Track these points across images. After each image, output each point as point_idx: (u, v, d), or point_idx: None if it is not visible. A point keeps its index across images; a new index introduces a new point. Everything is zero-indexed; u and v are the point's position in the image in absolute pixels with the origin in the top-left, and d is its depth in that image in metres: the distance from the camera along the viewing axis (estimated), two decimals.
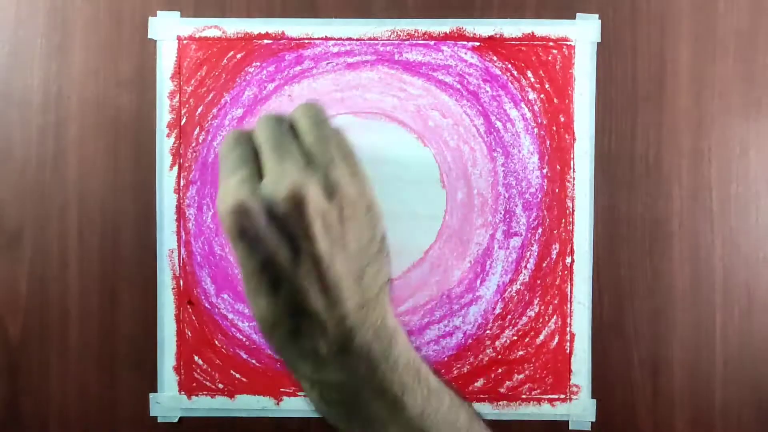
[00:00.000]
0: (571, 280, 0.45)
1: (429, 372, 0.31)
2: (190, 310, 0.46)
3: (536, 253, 0.46)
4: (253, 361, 0.46)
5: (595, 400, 0.45)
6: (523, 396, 0.46)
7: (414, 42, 0.45)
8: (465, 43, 0.45)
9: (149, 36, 0.46)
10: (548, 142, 0.46)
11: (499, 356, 0.46)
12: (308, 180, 0.28)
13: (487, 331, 0.46)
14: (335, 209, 0.28)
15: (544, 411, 0.46)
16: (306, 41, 0.46)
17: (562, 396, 0.45)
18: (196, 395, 0.46)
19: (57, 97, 0.46)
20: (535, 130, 0.46)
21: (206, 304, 0.46)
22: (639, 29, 0.46)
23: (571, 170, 0.46)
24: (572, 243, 0.45)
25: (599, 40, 0.45)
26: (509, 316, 0.46)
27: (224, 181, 0.29)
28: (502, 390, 0.46)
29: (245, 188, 0.28)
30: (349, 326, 0.29)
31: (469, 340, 0.46)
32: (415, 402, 0.30)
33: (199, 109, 0.46)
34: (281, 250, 0.28)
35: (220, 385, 0.46)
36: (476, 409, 0.33)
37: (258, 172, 0.29)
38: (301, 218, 0.27)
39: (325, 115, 0.31)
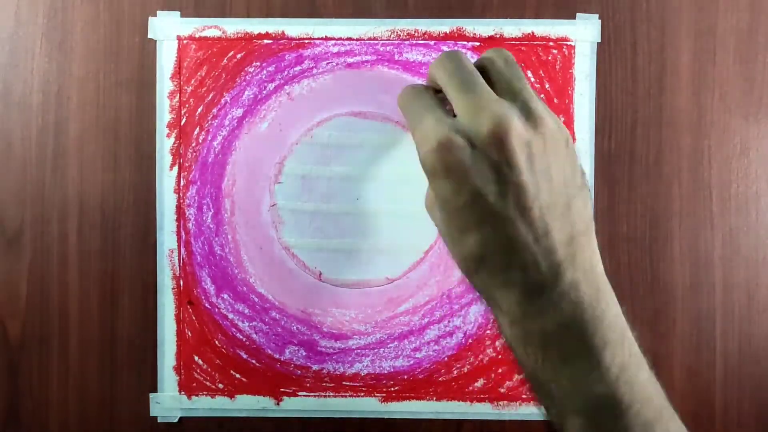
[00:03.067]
0: None
1: (633, 339, 0.30)
2: (190, 310, 0.46)
3: None
4: (253, 361, 0.46)
5: None
6: (523, 396, 0.46)
7: (414, 42, 0.45)
8: (465, 43, 0.45)
9: (149, 36, 0.46)
10: None
11: (499, 356, 0.46)
12: (509, 110, 0.27)
13: (487, 331, 0.46)
14: (539, 139, 0.28)
15: None
16: (306, 41, 0.46)
17: None
18: (196, 395, 0.46)
19: (57, 97, 0.46)
20: None
21: (206, 304, 0.46)
22: (639, 29, 0.46)
23: None
24: None
25: (599, 40, 0.46)
26: None
27: (419, 126, 0.29)
28: (502, 390, 0.46)
29: (445, 125, 0.27)
30: (558, 261, 0.28)
31: (469, 340, 0.46)
32: (613, 360, 0.28)
33: (199, 109, 0.46)
34: (488, 182, 0.27)
35: (220, 385, 0.46)
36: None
37: (450, 114, 0.28)
38: (504, 148, 0.27)
39: (514, 58, 0.31)
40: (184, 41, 0.46)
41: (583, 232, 0.29)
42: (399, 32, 0.45)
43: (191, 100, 0.46)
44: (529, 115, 0.28)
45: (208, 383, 0.46)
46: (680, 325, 0.46)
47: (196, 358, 0.46)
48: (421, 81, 0.32)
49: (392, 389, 0.46)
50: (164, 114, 0.46)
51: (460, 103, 0.28)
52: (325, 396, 0.46)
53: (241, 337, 0.46)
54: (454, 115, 0.29)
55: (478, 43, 0.45)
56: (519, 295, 0.28)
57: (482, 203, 0.28)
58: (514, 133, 0.27)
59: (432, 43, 0.45)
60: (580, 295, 0.28)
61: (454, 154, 0.27)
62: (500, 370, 0.46)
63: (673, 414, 0.30)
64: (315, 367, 0.46)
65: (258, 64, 0.46)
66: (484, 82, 0.29)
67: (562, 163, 0.28)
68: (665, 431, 0.29)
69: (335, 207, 0.46)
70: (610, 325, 0.28)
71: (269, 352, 0.46)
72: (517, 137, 0.27)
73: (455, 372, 0.46)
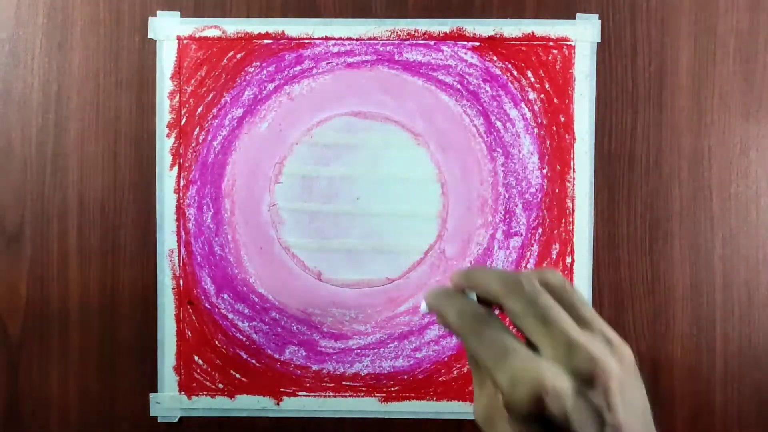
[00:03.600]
0: (571, 280, 0.45)
1: None
2: (190, 310, 0.46)
3: (536, 253, 0.46)
4: (253, 361, 0.46)
5: None
6: None
7: (414, 42, 0.45)
8: (465, 43, 0.45)
9: (149, 36, 0.46)
10: (548, 142, 0.46)
11: None
12: (601, 349, 0.26)
13: None
14: (627, 374, 0.27)
15: None
16: (306, 41, 0.46)
17: None
18: (196, 395, 0.46)
19: (57, 97, 0.46)
20: (535, 130, 0.46)
21: (206, 304, 0.46)
22: (639, 29, 0.46)
23: (571, 170, 0.46)
24: (572, 243, 0.45)
25: (599, 40, 0.45)
26: None
27: (504, 364, 0.26)
28: None
29: (539, 367, 0.25)
30: None
31: None
32: None
33: (199, 109, 0.46)
34: (587, 427, 0.25)
35: (220, 385, 0.46)
36: None
37: (529, 345, 0.27)
38: (607, 393, 0.25)
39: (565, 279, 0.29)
40: (184, 41, 0.46)
41: None
42: (399, 32, 0.45)
43: (191, 100, 0.46)
44: (612, 347, 0.27)
45: (208, 383, 0.46)
46: (680, 325, 0.46)
47: (196, 358, 0.46)
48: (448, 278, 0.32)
49: (392, 389, 0.46)
50: (164, 114, 0.46)
51: (547, 340, 0.26)
52: (325, 396, 0.46)
53: (241, 337, 0.46)
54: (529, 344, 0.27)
55: (478, 43, 0.45)
56: None
57: None
58: (614, 376, 0.25)
59: (432, 43, 0.45)
60: None
61: (556, 402, 0.25)
62: None
63: None
64: (315, 367, 0.46)
65: (258, 64, 0.46)
66: (561, 311, 0.27)
67: (640, 391, 0.27)
68: None
69: (335, 207, 0.46)
70: None
71: (269, 352, 0.46)
72: (616, 379, 0.26)
73: (455, 372, 0.46)
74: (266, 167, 0.46)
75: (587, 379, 0.25)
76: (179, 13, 0.46)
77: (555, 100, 0.45)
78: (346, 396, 0.46)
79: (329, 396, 0.46)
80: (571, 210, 0.45)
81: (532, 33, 0.45)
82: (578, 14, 0.46)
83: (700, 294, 0.46)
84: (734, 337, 0.46)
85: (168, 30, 0.46)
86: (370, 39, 0.46)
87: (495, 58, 0.45)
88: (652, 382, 0.46)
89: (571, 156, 0.45)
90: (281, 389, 0.46)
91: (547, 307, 0.27)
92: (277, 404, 0.46)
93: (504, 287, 0.28)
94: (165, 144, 0.46)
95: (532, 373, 0.25)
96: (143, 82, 0.46)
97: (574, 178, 0.45)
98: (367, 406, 0.46)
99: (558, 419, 0.25)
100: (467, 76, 0.46)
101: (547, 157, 0.46)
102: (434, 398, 0.45)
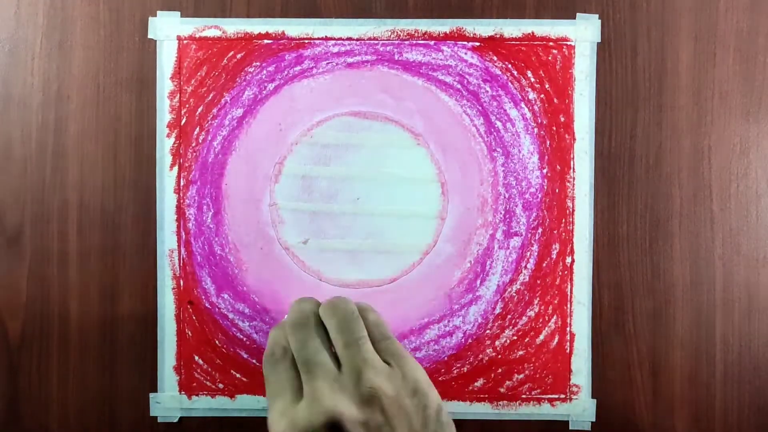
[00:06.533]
0: (571, 280, 0.45)
1: None
2: (190, 309, 0.46)
3: (536, 253, 0.46)
4: (254, 361, 0.46)
5: (595, 400, 0.46)
6: (523, 396, 0.46)
7: (414, 42, 0.45)
8: (465, 43, 0.45)
9: (149, 36, 0.46)
10: (548, 142, 0.46)
11: (499, 356, 0.46)
12: (340, 398, 0.29)
13: (487, 331, 0.46)
14: (375, 413, 0.29)
15: (544, 411, 0.46)
16: (306, 41, 0.46)
17: (562, 396, 0.46)
18: (196, 395, 0.46)
19: (57, 97, 0.46)
20: (535, 130, 0.46)
21: (206, 304, 0.46)
22: (639, 29, 0.46)
23: (571, 170, 0.46)
24: (572, 243, 0.45)
25: (599, 40, 0.46)
26: (509, 316, 0.46)
27: (270, 406, 0.31)
28: (502, 390, 0.46)
29: (285, 421, 0.29)
30: None
31: (469, 340, 0.46)
32: None
33: (199, 109, 0.46)
34: None
35: (220, 385, 0.46)
36: None
37: (299, 390, 0.30)
38: (378, 408, 0.29)
39: (349, 310, 0.32)
40: (184, 41, 0.46)
41: None
42: (399, 32, 0.45)
43: (191, 100, 0.46)
44: (361, 392, 0.29)
45: (208, 383, 0.46)
46: (680, 325, 0.46)
47: (196, 357, 0.46)
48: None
49: None
50: (164, 114, 0.46)
51: (303, 385, 0.30)
52: None
53: (241, 336, 0.46)
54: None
55: (478, 43, 0.45)
56: None
57: None
58: (347, 423, 0.29)
59: (432, 43, 0.45)
60: None
61: (347, 424, 0.29)
62: (500, 370, 0.46)
63: None
64: None
65: (258, 64, 0.46)
66: (323, 357, 0.31)
67: (407, 420, 0.30)
68: None
69: (335, 207, 0.46)
70: None
71: None
72: (350, 425, 0.29)
73: (455, 372, 0.46)
74: (266, 167, 0.46)
75: (367, 399, 0.29)
76: (179, 13, 0.46)
77: (555, 100, 0.45)
78: None
79: None
80: (571, 210, 0.46)
81: (532, 33, 0.45)
82: (578, 14, 0.46)
83: (700, 294, 0.46)
84: (734, 338, 0.46)
85: (168, 30, 0.46)
86: (370, 39, 0.46)
87: (495, 58, 0.45)
88: (651, 383, 0.46)
89: (571, 156, 0.45)
90: None
91: (304, 359, 0.31)
92: None
93: (323, 308, 0.33)
94: (165, 144, 0.46)
95: (275, 424, 0.30)
96: (143, 82, 0.46)
97: (574, 178, 0.45)
98: None
99: None
100: (467, 76, 0.46)
101: (547, 157, 0.46)
102: None
